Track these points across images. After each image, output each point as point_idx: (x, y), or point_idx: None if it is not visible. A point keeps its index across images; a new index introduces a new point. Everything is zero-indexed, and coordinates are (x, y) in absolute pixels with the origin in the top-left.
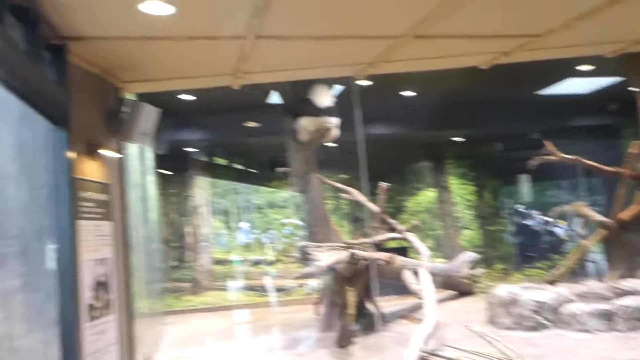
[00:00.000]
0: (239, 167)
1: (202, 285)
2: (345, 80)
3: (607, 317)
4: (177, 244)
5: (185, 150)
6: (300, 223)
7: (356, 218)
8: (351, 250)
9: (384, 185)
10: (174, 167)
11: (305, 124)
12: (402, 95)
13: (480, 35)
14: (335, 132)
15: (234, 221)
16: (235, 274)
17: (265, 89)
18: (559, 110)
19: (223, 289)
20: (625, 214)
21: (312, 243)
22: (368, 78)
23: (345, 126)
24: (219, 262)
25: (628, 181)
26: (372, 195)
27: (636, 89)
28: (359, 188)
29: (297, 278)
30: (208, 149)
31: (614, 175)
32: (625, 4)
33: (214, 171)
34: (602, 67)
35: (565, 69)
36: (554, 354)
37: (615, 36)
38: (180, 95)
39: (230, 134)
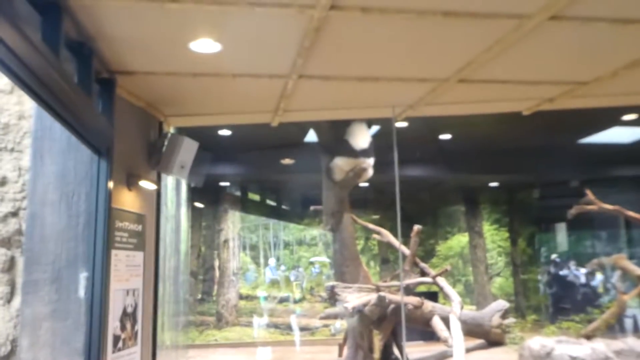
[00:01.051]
0: (272, 203)
1: (227, 320)
2: (384, 121)
3: None
4: (204, 277)
5: (220, 185)
6: (328, 261)
7: (386, 260)
8: (380, 293)
9: (417, 227)
10: (207, 200)
11: (341, 164)
12: (439, 138)
13: (525, 81)
14: (370, 173)
15: (262, 257)
16: (261, 311)
17: (302, 127)
18: (601, 159)
19: (247, 324)
20: None
21: (341, 283)
22: (406, 120)
23: (380, 166)
24: (245, 297)
25: None
26: (404, 237)
27: None
28: (390, 230)
29: (323, 318)
30: (242, 183)
31: None
32: None
33: (246, 206)
34: None
35: (609, 117)
36: None
37: None
38: (219, 131)
39: (265, 170)
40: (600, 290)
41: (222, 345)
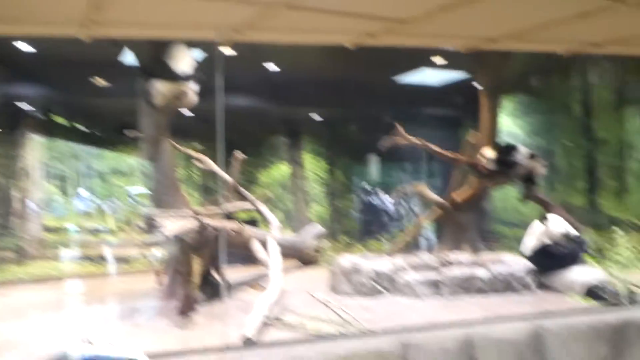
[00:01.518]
0: (83, 128)
1: (30, 255)
2: (208, 47)
3: (435, 285)
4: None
5: (17, 106)
6: (147, 191)
7: (208, 189)
8: (200, 219)
9: (239, 154)
10: (2, 123)
11: (161, 88)
12: (265, 69)
13: (349, 13)
14: (193, 99)
15: (72, 187)
16: (70, 243)
17: (120, 45)
18: (411, 98)
19: (54, 258)
20: (458, 196)
21: (159, 211)
22: (233, 47)
23: (206, 95)
24: (51, 229)
25: (463, 167)
26: (227, 166)
27: (479, 86)
28: (213, 159)
29: (141, 247)
30: (46, 106)
31: (453, 160)
32: (483, 3)
33: (52, 131)
34: (454, 61)
35: (420, 59)
36: (387, 317)
37: (471, 32)
38: (16, 43)
39: (75, 92)
40: (403, 215)
41: (25, 282)
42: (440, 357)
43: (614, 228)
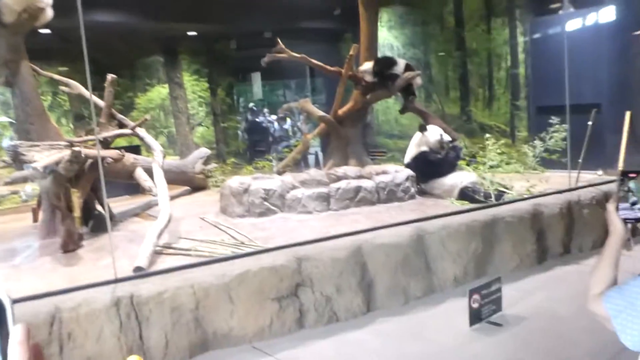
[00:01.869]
0: None
1: None
2: None
3: (325, 199)
4: None
5: None
6: (8, 120)
7: (79, 115)
8: (74, 148)
9: (111, 76)
10: None
11: (10, 2)
12: None
13: None
14: (49, 14)
15: None
16: None
17: None
18: (290, 12)
19: None
20: (342, 111)
21: (26, 142)
22: None
23: (63, 10)
24: None
25: (347, 81)
26: (98, 90)
27: None
28: (82, 83)
29: (9, 183)
30: None
31: (335, 75)
32: None
33: None
34: None
35: None
36: (280, 234)
37: None
38: None
39: None
40: (289, 133)
41: None
42: (331, 266)
43: (487, 135)
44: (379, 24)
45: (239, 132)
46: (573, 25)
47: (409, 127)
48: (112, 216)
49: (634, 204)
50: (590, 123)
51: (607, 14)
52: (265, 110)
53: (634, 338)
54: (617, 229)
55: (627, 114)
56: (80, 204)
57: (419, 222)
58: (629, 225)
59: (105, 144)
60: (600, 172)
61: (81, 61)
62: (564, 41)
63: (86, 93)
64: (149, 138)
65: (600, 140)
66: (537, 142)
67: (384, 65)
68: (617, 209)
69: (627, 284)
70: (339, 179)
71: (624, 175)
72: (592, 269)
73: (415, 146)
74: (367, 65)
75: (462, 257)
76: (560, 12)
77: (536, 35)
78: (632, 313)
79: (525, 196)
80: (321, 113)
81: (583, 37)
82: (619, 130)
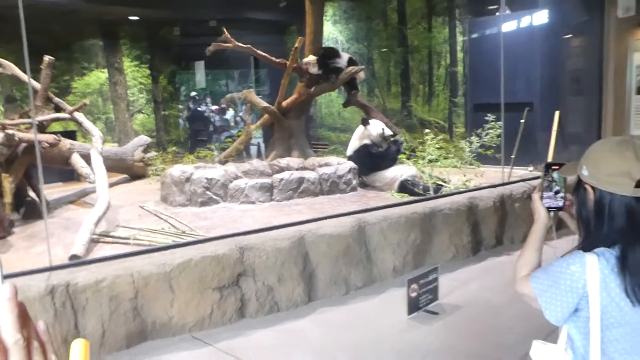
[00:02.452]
0: None
1: None
2: None
3: (267, 189)
4: None
5: None
6: None
7: (11, 98)
8: (7, 131)
9: (48, 58)
10: None
11: None
12: None
13: None
14: None
15: None
16: None
17: None
18: (237, 1)
19: None
20: (286, 102)
21: None
22: None
23: None
24: None
25: (291, 73)
26: (33, 73)
27: None
28: (16, 63)
29: None
30: None
31: (280, 66)
32: None
33: None
34: None
35: None
36: (222, 224)
37: None
38: None
39: None
40: (232, 123)
41: None
42: (274, 256)
43: (427, 130)
44: (324, 17)
45: (181, 121)
46: (509, 27)
47: (351, 120)
48: (46, 203)
49: (557, 192)
50: (522, 121)
51: (541, 18)
52: (208, 99)
53: (556, 314)
54: (541, 216)
55: (557, 114)
56: (12, 189)
57: (360, 214)
58: (551, 214)
59: (41, 128)
60: (531, 167)
61: (15, 42)
62: (500, 42)
63: (20, 74)
64: (87, 123)
65: (531, 138)
66: (474, 138)
67: (328, 57)
68: (542, 198)
69: (551, 265)
70: (282, 170)
71: (548, 167)
72: (519, 254)
73: (357, 139)
74: (312, 57)
75: (401, 247)
76: (497, 14)
77: (474, 35)
78: (555, 291)
79: (462, 190)
80: (265, 104)
81: (518, 38)
82: (549, 128)
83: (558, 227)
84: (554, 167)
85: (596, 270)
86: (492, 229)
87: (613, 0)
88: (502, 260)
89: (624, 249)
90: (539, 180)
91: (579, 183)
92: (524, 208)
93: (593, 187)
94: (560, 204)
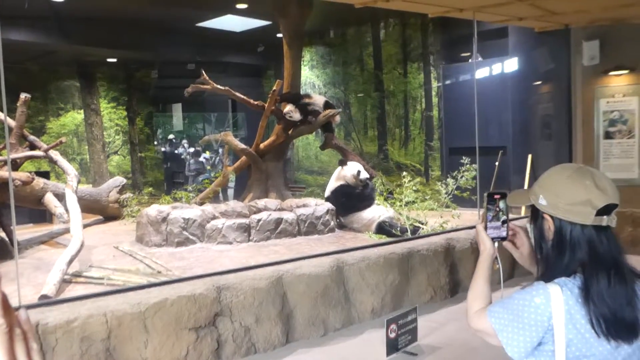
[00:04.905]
0: None
1: None
2: None
3: (245, 230)
4: None
5: None
6: None
7: None
8: None
9: (24, 95)
10: None
11: None
12: (50, 0)
13: None
14: None
15: None
16: None
17: None
18: (215, 45)
19: None
20: (264, 144)
21: None
22: None
23: None
24: None
25: (269, 115)
26: (8, 111)
27: (281, 34)
28: None
29: None
30: None
31: (258, 109)
32: None
33: None
34: (256, 8)
35: (225, 4)
36: (199, 264)
37: None
38: None
39: None
40: (208, 167)
41: None
42: (252, 295)
43: (404, 173)
44: (301, 62)
45: (157, 162)
46: (481, 73)
47: (328, 163)
48: (16, 242)
49: (504, 222)
50: (497, 164)
51: (511, 65)
52: (185, 142)
53: (519, 349)
54: (487, 247)
55: (529, 157)
56: None
57: (338, 254)
58: (496, 244)
59: (14, 166)
60: (512, 205)
61: None
62: (474, 87)
63: None
64: (63, 161)
65: (506, 180)
66: (450, 181)
67: (302, 102)
68: (486, 228)
69: (512, 298)
70: (259, 210)
71: (490, 197)
72: (470, 288)
73: (334, 180)
74: (290, 106)
75: (380, 288)
76: (470, 60)
77: (448, 81)
78: (517, 325)
79: (439, 231)
80: (243, 146)
81: (490, 84)
82: (522, 171)
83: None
84: (495, 197)
85: (561, 301)
86: (470, 270)
87: (579, 49)
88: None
89: (586, 279)
90: (482, 211)
91: (536, 212)
92: (501, 249)
93: (552, 217)
94: (504, 234)
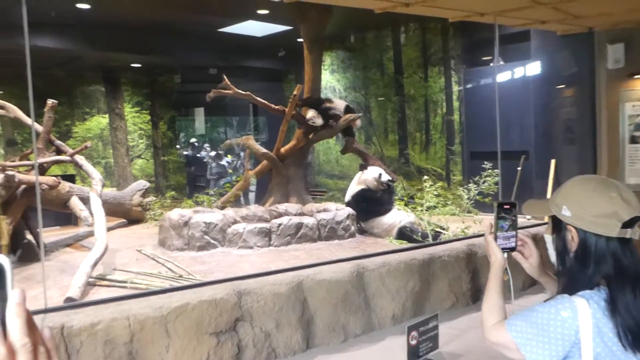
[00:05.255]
0: None
1: None
2: None
3: (266, 234)
4: None
5: None
6: None
7: (12, 141)
8: (7, 172)
9: (51, 101)
10: None
11: None
12: (76, 7)
13: None
14: None
15: None
16: None
17: None
18: (237, 50)
19: None
20: (285, 149)
21: None
22: None
23: (1, 33)
24: None
25: (290, 120)
26: (36, 116)
27: (302, 39)
28: (18, 106)
29: None
30: None
31: (279, 113)
32: None
33: None
34: (277, 13)
35: (247, 10)
36: (220, 268)
37: None
38: None
39: None
40: (232, 168)
41: None
42: (272, 301)
43: (425, 177)
44: (322, 66)
45: (180, 166)
46: (503, 77)
47: (349, 167)
48: (43, 245)
49: (513, 233)
50: (519, 169)
51: (533, 69)
52: (207, 145)
53: None
54: (498, 258)
55: (552, 162)
56: (10, 231)
57: (359, 259)
58: (505, 254)
59: (41, 170)
60: (529, 215)
61: (17, 85)
62: (495, 91)
63: (23, 117)
64: (88, 166)
65: (528, 185)
66: (471, 186)
67: (324, 106)
68: (495, 239)
69: (535, 311)
70: (280, 215)
71: (500, 207)
72: (483, 301)
73: (355, 184)
74: (312, 112)
75: (400, 294)
76: (491, 64)
77: (469, 85)
78: (543, 339)
79: (461, 237)
80: (263, 150)
81: (512, 88)
82: (545, 176)
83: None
84: (505, 207)
85: (588, 315)
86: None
87: (603, 52)
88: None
89: (612, 292)
90: (491, 221)
91: (559, 223)
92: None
93: (576, 228)
94: (513, 244)
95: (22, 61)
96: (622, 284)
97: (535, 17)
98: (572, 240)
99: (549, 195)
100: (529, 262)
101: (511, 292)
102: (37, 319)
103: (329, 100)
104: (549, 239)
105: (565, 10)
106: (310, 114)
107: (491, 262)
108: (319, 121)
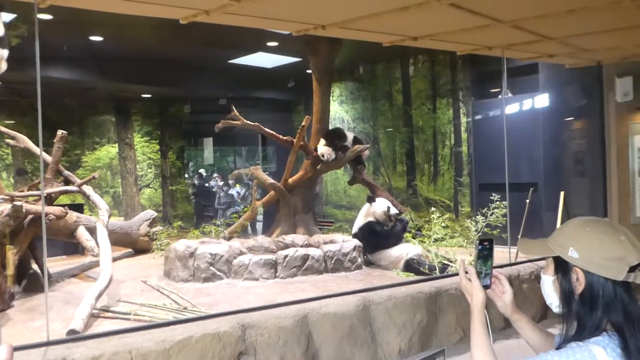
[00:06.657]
0: None
1: None
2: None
3: (272, 266)
4: None
5: None
6: None
7: (22, 170)
8: (15, 202)
9: (61, 132)
10: None
11: None
12: (89, 39)
13: None
14: (3, 67)
15: None
16: None
17: None
18: (246, 81)
19: None
20: (292, 179)
21: None
22: (49, 10)
23: (17, 63)
24: None
25: (298, 150)
26: (45, 146)
27: (311, 71)
28: (28, 136)
29: None
30: None
31: (287, 144)
32: None
33: None
34: (287, 45)
35: (257, 42)
36: (225, 300)
37: (303, 17)
38: None
39: None
40: (239, 200)
41: None
42: (277, 334)
43: (433, 209)
44: (331, 97)
45: (187, 196)
46: (511, 109)
47: (357, 198)
48: (48, 276)
49: (488, 270)
50: (528, 201)
51: (542, 101)
52: (215, 175)
53: None
54: (480, 297)
55: (562, 194)
56: (15, 261)
57: (365, 292)
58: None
59: (49, 200)
60: (523, 255)
61: (29, 115)
62: (503, 123)
63: (33, 147)
64: (95, 196)
65: (537, 218)
66: (479, 218)
67: (336, 137)
68: (478, 276)
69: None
70: (286, 246)
71: (481, 243)
72: (473, 345)
73: (363, 217)
74: (325, 148)
75: (407, 328)
76: (500, 96)
77: (478, 117)
78: None
79: None
80: (271, 180)
81: (520, 120)
82: (554, 208)
83: None
84: (485, 243)
85: None
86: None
87: (611, 85)
88: (511, 344)
89: (625, 339)
90: (466, 259)
91: (563, 265)
92: (532, 289)
93: (582, 270)
94: (488, 282)
95: (35, 92)
96: (634, 330)
97: (543, 50)
98: (578, 282)
99: (558, 226)
100: (502, 300)
101: (488, 327)
102: (39, 352)
103: (346, 135)
104: (546, 279)
105: (573, 44)
106: (324, 149)
107: (473, 301)
108: (332, 158)
